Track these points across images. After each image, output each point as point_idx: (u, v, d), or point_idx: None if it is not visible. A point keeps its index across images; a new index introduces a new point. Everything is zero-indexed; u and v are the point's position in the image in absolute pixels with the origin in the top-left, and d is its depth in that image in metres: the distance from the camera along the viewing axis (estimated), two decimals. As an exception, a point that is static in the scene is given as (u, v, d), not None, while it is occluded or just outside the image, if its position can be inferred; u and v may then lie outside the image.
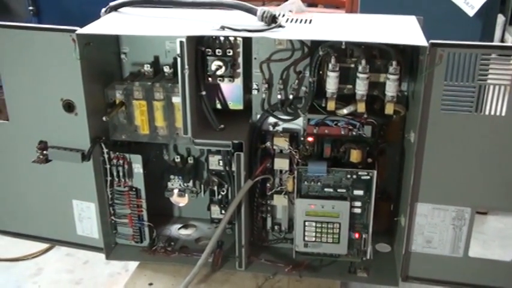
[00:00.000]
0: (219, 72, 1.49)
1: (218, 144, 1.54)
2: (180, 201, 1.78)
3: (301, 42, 1.44)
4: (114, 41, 1.57)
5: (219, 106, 1.55)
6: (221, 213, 1.68)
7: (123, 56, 1.63)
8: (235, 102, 1.56)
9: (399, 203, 1.58)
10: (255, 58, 1.49)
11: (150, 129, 1.55)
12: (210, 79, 1.49)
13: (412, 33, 1.44)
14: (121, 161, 1.60)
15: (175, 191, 1.76)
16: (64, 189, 1.63)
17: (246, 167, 1.49)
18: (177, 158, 1.76)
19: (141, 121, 1.59)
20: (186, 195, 1.76)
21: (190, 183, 1.74)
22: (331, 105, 1.48)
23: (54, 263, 1.96)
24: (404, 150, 1.54)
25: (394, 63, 1.40)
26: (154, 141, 1.56)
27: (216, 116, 1.50)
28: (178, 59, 1.44)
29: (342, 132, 1.54)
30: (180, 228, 1.82)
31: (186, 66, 1.44)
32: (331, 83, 1.44)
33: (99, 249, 1.66)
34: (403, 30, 1.48)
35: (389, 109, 1.46)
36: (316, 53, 1.44)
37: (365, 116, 1.51)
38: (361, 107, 1.47)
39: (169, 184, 1.75)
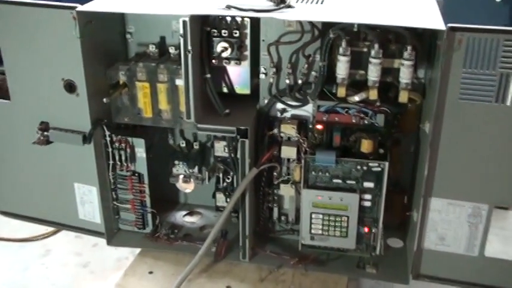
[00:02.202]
0: (224, 54, 1.42)
1: (222, 130, 1.47)
2: (186, 187, 1.72)
3: (312, 24, 1.35)
4: (118, 20, 1.50)
5: (225, 90, 1.48)
6: (226, 201, 1.60)
7: (128, 35, 1.57)
8: (241, 86, 1.48)
9: (413, 197, 1.45)
10: (263, 40, 1.41)
11: (153, 112, 1.49)
12: (215, 61, 1.41)
13: (430, 16, 1.34)
14: (123, 145, 1.54)
15: (181, 177, 1.70)
16: (65, 172, 1.58)
17: (251, 154, 1.42)
18: (183, 143, 1.70)
19: (144, 104, 1.52)
20: (192, 181, 1.70)
21: (196, 170, 1.68)
22: (341, 92, 1.39)
23: (63, 244, 1.92)
24: (419, 140, 1.44)
25: (409, 48, 1.31)
26: (158, 124, 1.49)
27: (221, 100, 1.43)
28: (181, 40, 1.36)
29: (353, 121, 1.45)
30: (185, 216, 1.77)
31: (189, 48, 1.37)
32: (342, 68, 1.35)
33: (100, 234, 1.62)
34: (420, 12, 1.38)
35: (403, 97, 1.37)
36: (327, 35, 1.35)
37: (378, 104, 1.42)
38: (373, 94, 1.38)
39: (174, 170, 1.69)
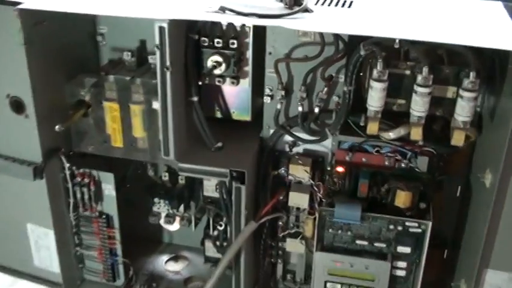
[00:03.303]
0: (218, 71, 1.07)
1: (211, 172, 1.12)
2: (168, 226, 1.37)
3: (336, 35, 0.99)
4: (85, 18, 1.14)
5: (218, 115, 1.19)
6: (217, 252, 1.25)
7: (99, 38, 1.25)
8: (240, 112, 1.19)
9: (456, 252, 1.22)
10: (270, 53, 1.11)
11: (125, 141, 1.17)
12: (205, 79, 1.10)
13: (498, 29, 0.96)
14: (87, 180, 1.21)
15: (162, 216, 1.34)
16: (16, 210, 1.28)
17: (249, 202, 1.14)
18: (165, 176, 1.33)
19: (113, 130, 1.17)
20: (176, 222, 1.34)
21: (181, 209, 1.32)
22: (372, 128, 1.03)
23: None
24: (471, 189, 1.17)
25: (472, 74, 0.94)
26: (130, 157, 1.18)
27: (213, 128, 1.14)
28: (157, 53, 1.00)
29: (386, 163, 1.11)
30: (167, 261, 1.42)
31: (168, 63, 1.00)
32: (375, 98, 0.98)
33: (58, 285, 1.32)
34: (484, 23, 1.01)
35: (458, 139, 1.01)
36: (356, 52, 0.99)
37: (420, 143, 1.04)
38: (416, 134, 1.02)
39: (154, 208, 1.33)
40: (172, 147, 1.10)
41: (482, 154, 1.11)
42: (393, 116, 1.06)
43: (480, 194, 1.08)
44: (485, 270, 1.08)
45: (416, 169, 1.12)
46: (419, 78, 0.97)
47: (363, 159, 1.11)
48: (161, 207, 1.35)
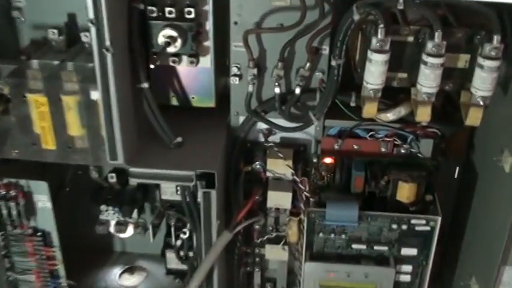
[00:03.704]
0: (172, 49, 0.84)
1: (171, 176, 0.89)
2: (121, 234, 1.15)
3: None
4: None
5: (174, 102, 1.00)
6: (182, 264, 1.11)
7: (15, 13, 1.00)
8: (201, 97, 0.99)
9: (457, 244, 1.07)
10: (236, 23, 0.91)
11: (58, 141, 0.94)
12: (157, 60, 0.88)
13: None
14: (14, 192, 0.99)
15: (112, 224, 1.12)
16: None
17: (220, 208, 0.89)
18: (112, 177, 1.09)
19: (43, 129, 0.93)
20: (130, 228, 1.12)
21: (135, 215, 1.10)
22: (370, 110, 0.84)
23: None
24: (474, 172, 1.02)
25: (496, 38, 0.75)
26: (66, 161, 0.97)
27: (170, 120, 0.94)
28: (92, 29, 0.76)
29: (383, 150, 0.92)
30: (122, 274, 1.19)
31: (108, 42, 0.76)
32: (376, 73, 0.79)
33: None
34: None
35: (475, 117, 0.83)
36: (348, 16, 0.79)
37: (424, 123, 0.85)
38: (423, 114, 0.84)
39: (101, 216, 1.10)
40: (120, 148, 0.87)
41: (494, 133, 0.93)
42: (390, 92, 0.86)
43: (497, 180, 0.90)
44: (504, 268, 0.92)
45: (419, 154, 0.93)
46: (429, 46, 0.78)
47: (355, 147, 0.93)
48: (110, 215, 1.11)
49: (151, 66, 0.91)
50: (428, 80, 0.80)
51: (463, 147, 1.07)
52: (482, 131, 0.98)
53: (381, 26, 0.77)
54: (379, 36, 0.78)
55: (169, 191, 1.07)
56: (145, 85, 0.88)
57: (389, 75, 0.83)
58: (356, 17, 0.79)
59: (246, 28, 0.88)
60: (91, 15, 0.77)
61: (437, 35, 0.77)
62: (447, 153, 1.00)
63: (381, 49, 0.78)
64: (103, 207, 1.11)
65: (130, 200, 1.12)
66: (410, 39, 0.83)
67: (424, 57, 0.79)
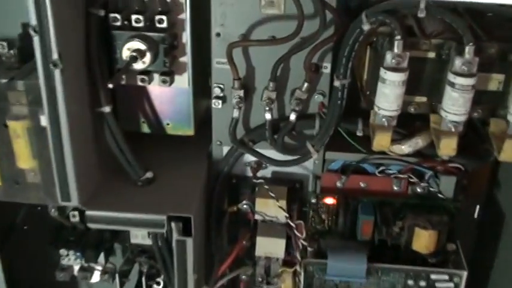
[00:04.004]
0: (139, 65, 0.69)
1: (138, 221, 0.73)
2: (86, 281, 0.99)
3: (320, 2, 0.63)
4: None
5: (145, 129, 0.84)
6: None
7: None
8: (177, 123, 0.84)
9: None
10: (218, 35, 0.75)
11: (4, 176, 0.79)
12: (121, 79, 0.74)
13: None
14: None
15: (75, 270, 0.95)
16: None
17: (198, 259, 0.77)
18: (74, 216, 0.92)
19: (-16, 161, 0.77)
20: (96, 274, 0.96)
21: (101, 259, 0.93)
22: (382, 141, 0.69)
23: None
24: (499, 212, 0.88)
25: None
26: (13, 199, 0.81)
27: (139, 151, 0.80)
28: (35, 38, 0.60)
29: (395, 188, 0.77)
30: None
31: (55, 55, 0.61)
32: (391, 97, 0.64)
33: None
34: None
35: (509, 151, 0.66)
36: (355, 26, 0.63)
37: (445, 157, 0.71)
38: (448, 146, 0.69)
39: (62, 261, 0.93)
40: (73, 186, 0.71)
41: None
42: (403, 120, 0.71)
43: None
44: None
45: (439, 194, 0.77)
46: (457, 63, 0.63)
47: (362, 185, 0.79)
48: (71, 260, 0.94)
49: (115, 85, 0.75)
50: (456, 106, 0.64)
51: (483, 183, 0.92)
52: (510, 164, 0.83)
53: (398, 37, 0.62)
54: (396, 50, 0.63)
55: (140, 234, 0.92)
56: (107, 109, 0.72)
57: (405, 99, 0.68)
58: (366, 27, 0.64)
59: (231, 41, 0.73)
60: (33, 21, 0.61)
61: (469, 49, 0.62)
62: (467, 191, 0.85)
63: (397, 67, 0.63)
64: (63, 251, 0.95)
65: (97, 241, 0.96)
66: (431, 55, 0.68)
67: (451, 78, 0.64)
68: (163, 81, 0.75)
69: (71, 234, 0.96)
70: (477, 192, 0.93)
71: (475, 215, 0.96)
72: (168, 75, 0.75)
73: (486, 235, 0.95)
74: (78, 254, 0.95)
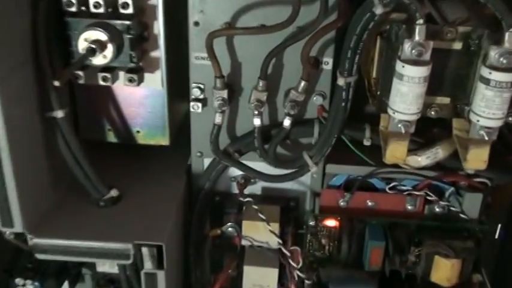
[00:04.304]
0: (99, 60, 0.55)
1: (98, 250, 0.59)
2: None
3: None
4: None
5: (111, 138, 0.71)
6: None
7: None
8: (149, 131, 0.72)
9: None
10: (197, 24, 0.62)
11: None
12: (79, 76, 0.60)
13: None
14: None
15: (36, 302, 0.82)
16: None
17: None
18: (32, 239, 0.79)
19: None
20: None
21: (65, 288, 0.81)
22: (397, 152, 0.58)
23: None
24: None
25: None
26: None
27: (102, 164, 0.66)
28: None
29: (409, 207, 0.65)
30: None
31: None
32: (410, 97, 0.52)
33: None
34: None
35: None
36: (365, 9, 0.52)
37: (470, 171, 0.58)
38: (478, 158, 0.56)
39: (19, 291, 0.81)
40: (16, 209, 0.57)
41: None
42: (418, 125, 0.58)
43: None
44: None
45: (462, 215, 0.64)
46: (493, 55, 0.50)
47: (369, 203, 0.66)
48: (30, 291, 0.81)
49: (69, 84, 0.61)
50: (490, 108, 0.52)
51: (507, 199, 0.81)
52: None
53: (420, 21, 0.49)
54: (417, 37, 0.50)
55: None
56: (59, 114, 0.59)
57: (425, 100, 0.55)
58: (378, 10, 0.52)
59: (212, 29, 0.59)
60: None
61: (510, 36, 0.49)
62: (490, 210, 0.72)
63: (418, 59, 0.50)
64: (19, 280, 0.81)
65: (59, 268, 0.81)
66: (457, 46, 0.55)
67: (485, 73, 0.51)
68: (130, 80, 0.62)
69: (29, 260, 0.83)
70: (499, 209, 0.81)
71: (496, 235, 0.84)
72: (136, 72, 0.62)
73: (509, 258, 0.82)
74: (36, 284, 0.81)
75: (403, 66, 0.51)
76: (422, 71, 0.51)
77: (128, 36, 0.59)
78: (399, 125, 0.54)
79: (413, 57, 0.51)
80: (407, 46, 0.51)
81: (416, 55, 0.50)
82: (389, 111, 0.55)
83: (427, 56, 0.51)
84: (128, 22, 0.59)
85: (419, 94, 0.52)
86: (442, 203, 0.67)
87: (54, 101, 0.59)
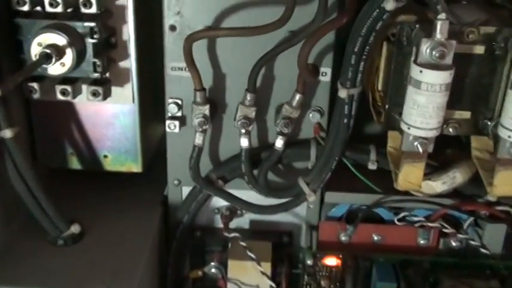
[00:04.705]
0: (55, 69, 0.45)
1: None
2: None
3: None
4: None
5: (74, 164, 0.62)
6: None
7: None
8: (119, 155, 0.62)
9: None
10: (173, 28, 0.54)
11: None
12: (33, 90, 0.51)
13: None
14: None
15: None
16: None
17: None
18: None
19: None
20: None
21: None
22: (412, 176, 0.47)
23: None
24: None
25: None
26: None
27: (64, 194, 0.58)
28: None
29: (421, 243, 0.55)
30: None
31: None
32: (430, 107, 0.43)
33: None
34: None
35: None
36: (372, 6, 0.43)
37: (491, 198, 0.50)
38: (509, 182, 0.45)
39: None
40: None
41: None
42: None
43: None
44: None
45: (483, 250, 0.55)
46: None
47: (375, 237, 0.56)
48: None
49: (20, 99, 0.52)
50: (526, 120, 0.43)
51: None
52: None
53: (442, 16, 0.41)
54: (439, 35, 0.41)
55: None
56: (7, 133, 0.49)
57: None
58: (390, 5, 0.43)
59: (190, 32, 0.51)
60: None
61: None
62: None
63: (439, 62, 0.42)
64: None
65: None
66: (479, 49, 0.47)
67: (520, 80, 0.43)
68: (94, 94, 0.52)
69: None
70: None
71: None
72: (101, 84, 0.53)
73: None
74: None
75: (421, 72, 0.43)
76: (444, 77, 0.42)
77: (91, 40, 0.50)
78: (415, 143, 0.46)
79: (433, 60, 0.42)
80: (425, 47, 0.42)
81: (438, 57, 0.42)
82: (403, 127, 0.46)
83: (449, 59, 0.43)
84: (90, 24, 0.50)
85: (440, 105, 0.44)
86: (459, 235, 0.58)
87: (1, 118, 0.49)
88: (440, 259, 0.59)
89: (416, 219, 0.58)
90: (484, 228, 0.58)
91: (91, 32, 0.50)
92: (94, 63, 0.51)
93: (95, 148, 0.60)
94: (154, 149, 0.64)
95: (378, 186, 0.56)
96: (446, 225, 0.58)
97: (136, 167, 0.61)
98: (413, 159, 0.48)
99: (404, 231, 0.58)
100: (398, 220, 0.58)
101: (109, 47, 0.53)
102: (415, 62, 0.44)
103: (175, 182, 0.61)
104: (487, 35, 0.47)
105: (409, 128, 0.46)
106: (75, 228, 0.56)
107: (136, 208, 0.62)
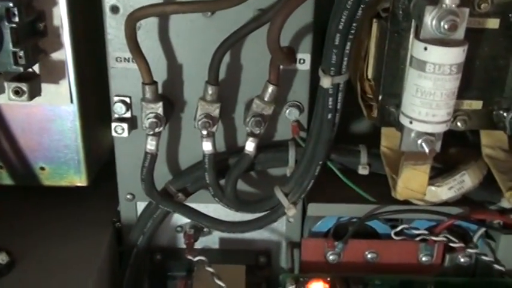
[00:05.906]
0: None
1: None
2: None
3: None
4: None
5: (5, 179, 0.52)
6: None
7: None
8: (58, 167, 0.50)
9: None
10: (115, 9, 0.44)
11: None
12: None
13: None
14: None
15: None
16: None
17: None
18: None
19: None
20: None
21: None
22: (413, 181, 0.36)
23: None
24: None
25: None
26: None
27: None
28: None
29: (423, 260, 0.44)
30: None
31: None
32: (438, 94, 0.34)
33: None
34: None
35: None
36: None
37: (506, 204, 0.41)
38: None
39: None
40: None
41: None
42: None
43: None
44: None
45: (496, 266, 0.46)
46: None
47: (369, 255, 0.46)
48: None
49: None
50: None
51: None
52: None
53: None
54: (447, 1, 0.32)
55: None
56: None
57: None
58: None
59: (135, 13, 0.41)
60: None
61: None
62: None
63: (449, 35, 0.33)
64: None
65: None
66: (493, 23, 0.38)
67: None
68: (17, 92, 0.42)
69: None
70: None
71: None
72: (26, 80, 0.42)
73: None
74: None
75: (426, 49, 0.34)
76: (455, 55, 0.33)
77: (10, 25, 0.40)
78: (419, 142, 0.36)
79: (441, 34, 0.33)
80: (431, 17, 0.33)
81: (447, 29, 0.33)
82: (403, 121, 0.37)
83: (461, 32, 0.33)
84: (8, 3, 0.40)
85: (450, 91, 0.35)
86: (468, 250, 0.49)
87: None
88: (446, 279, 0.51)
89: (417, 232, 0.50)
90: (498, 240, 0.50)
91: (8, 14, 0.39)
92: (14, 53, 0.40)
93: (29, 159, 0.50)
94: (103, 158, 0.54)
95: (371, 195, 0.47)
96: (453, 238, 0.49)
97: (80, 180, 0.51)
98: (416, 162, 0.39)
99: (403, 246, 0.50)
100: (396, 234, 0.50)
101: (36, 34, 0.43)
102: (417, 37, 0.35)
103: (128, 196, 0.51)
104: (503, 5, 0.39)
105: (411, 122, 0.37)
106: (1, 258, 0.46)
107: (81, 229, 0.52)
